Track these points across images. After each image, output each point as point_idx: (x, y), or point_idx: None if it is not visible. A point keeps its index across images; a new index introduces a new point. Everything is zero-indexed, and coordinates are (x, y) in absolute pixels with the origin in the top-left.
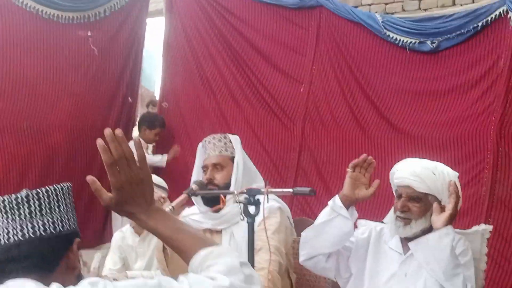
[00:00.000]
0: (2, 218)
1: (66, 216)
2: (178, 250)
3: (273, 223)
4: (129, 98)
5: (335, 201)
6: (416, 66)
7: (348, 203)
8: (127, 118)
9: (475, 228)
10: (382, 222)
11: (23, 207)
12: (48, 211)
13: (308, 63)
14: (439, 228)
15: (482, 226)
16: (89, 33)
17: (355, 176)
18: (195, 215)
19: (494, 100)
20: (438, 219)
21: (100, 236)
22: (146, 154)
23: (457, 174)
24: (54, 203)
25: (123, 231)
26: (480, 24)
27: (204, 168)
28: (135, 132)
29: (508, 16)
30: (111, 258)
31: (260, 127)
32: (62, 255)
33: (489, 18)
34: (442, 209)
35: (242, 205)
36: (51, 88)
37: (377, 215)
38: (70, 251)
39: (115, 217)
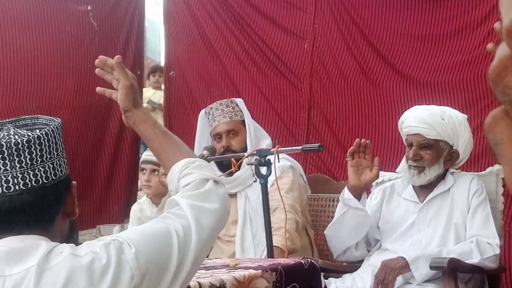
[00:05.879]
0: (0, 165)
1: (62, 159)
2: (162, 151)
3: (286, 182)
4: (138, 70)
5: (344, 194)
6: (419, 10)
7: (358, 191)
8: None
9: (489, 169)
10: (395, 172)
11: (23, 153)
12: (48, 156)
13: (310, 17)
14: None
15: (496, 167)
16: (88, 8)
17: (356, 163)
18: None
19: (501, 40)
20: None
21: (123, 212)
22: None
23: (466, 116)
24: (53, 147)
25: (140, 203)
26: None
27: (217, 136)
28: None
29: None
30: None
31: (268, 88)
32: (62, 202)
33: None
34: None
35: (253, 166)
36: (54, 66)
37: (391, 165)
38: (68, 196)
39: None
